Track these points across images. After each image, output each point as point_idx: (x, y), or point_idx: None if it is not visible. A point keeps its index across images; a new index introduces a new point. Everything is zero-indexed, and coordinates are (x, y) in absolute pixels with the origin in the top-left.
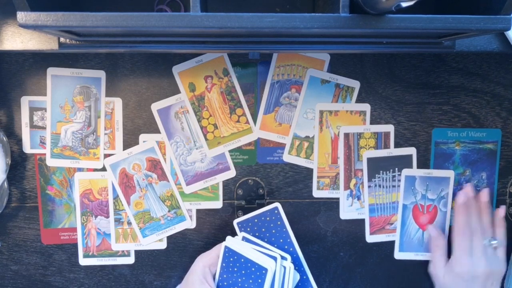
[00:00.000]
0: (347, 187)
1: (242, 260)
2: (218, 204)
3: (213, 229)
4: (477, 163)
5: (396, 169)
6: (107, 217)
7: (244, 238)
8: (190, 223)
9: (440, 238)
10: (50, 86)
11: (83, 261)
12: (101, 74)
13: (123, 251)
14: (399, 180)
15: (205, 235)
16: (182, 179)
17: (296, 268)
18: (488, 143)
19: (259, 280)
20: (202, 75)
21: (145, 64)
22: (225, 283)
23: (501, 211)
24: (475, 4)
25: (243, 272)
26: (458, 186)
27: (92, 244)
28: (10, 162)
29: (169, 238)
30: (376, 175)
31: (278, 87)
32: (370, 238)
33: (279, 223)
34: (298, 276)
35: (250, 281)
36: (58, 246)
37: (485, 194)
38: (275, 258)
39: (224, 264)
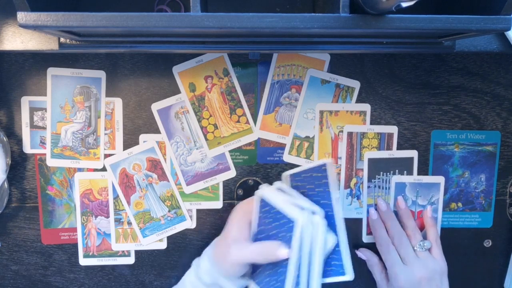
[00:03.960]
0: (347, 186)
1: (274, 211)
2: (218, 204)
3: (213, 229)
4: (476, 165)
5: (397, 171)
6: (107, 217)
7: (278, 189)
8: (190, 223)
9: (372, 257)
10: (50, 86)
11: (83, 261)
12: (101, 74)
13: (123, 251)
14: None
15: (205, 235)
16: (182, 179)
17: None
18: (487, 145)
19: (289, 234)
20: (202, 75)
21: (145, 64)
22: (261, 236)
23: (428, 211)
24: (475, 4)
25: (275, 224)
26: (456, 189)
27: (92, 244)
28: (10, 162)
29: (169, 238)
30: (376, 176)
31: (278, 87)
32: (366, 238)
33: (324, 181)
34: (334, 239)
35: (283, 233)
36: (58, 246)
37: (401, 202)
38: (305, 211)
39: (260, 215)
